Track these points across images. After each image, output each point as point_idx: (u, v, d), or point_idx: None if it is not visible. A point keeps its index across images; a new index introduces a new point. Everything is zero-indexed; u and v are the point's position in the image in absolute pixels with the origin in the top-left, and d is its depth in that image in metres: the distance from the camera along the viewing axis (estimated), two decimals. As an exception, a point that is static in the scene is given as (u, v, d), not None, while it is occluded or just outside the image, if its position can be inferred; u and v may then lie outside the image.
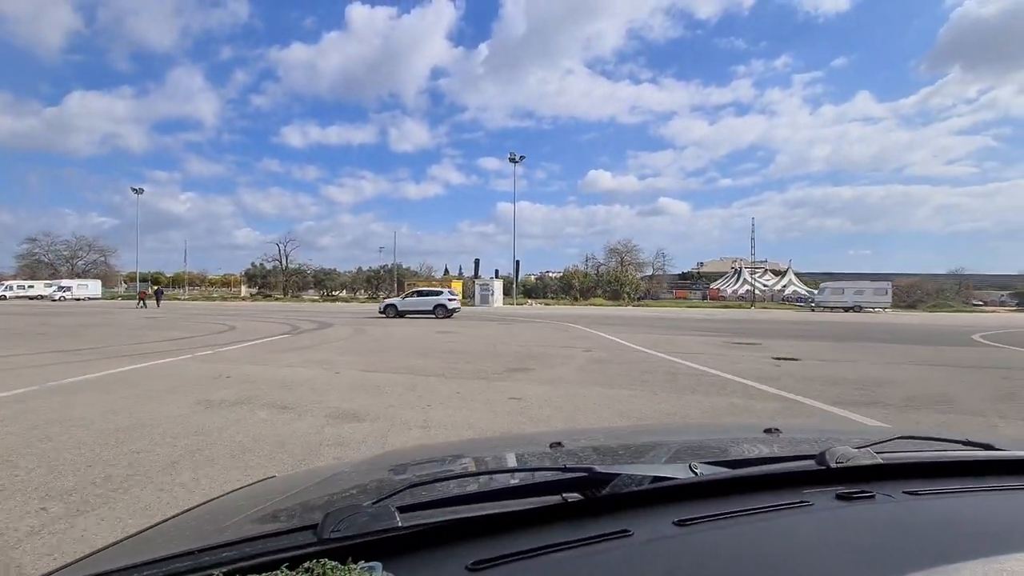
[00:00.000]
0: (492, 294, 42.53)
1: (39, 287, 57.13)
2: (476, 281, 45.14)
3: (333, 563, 0.54)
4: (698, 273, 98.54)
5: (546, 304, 46.73)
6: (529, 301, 49.66)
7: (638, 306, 44.78)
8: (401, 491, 0.79)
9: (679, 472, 0.79)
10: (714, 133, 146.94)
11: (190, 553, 0.65)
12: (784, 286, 73.29)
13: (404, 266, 73.15)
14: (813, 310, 41.14)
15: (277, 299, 59.93)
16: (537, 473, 0.92)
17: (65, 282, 56.15)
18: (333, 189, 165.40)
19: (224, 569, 0.56)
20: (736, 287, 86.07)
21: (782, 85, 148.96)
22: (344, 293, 73.47)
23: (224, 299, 59.68)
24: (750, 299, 55.34)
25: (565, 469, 0.81)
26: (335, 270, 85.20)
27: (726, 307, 44.32)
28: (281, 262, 70.60)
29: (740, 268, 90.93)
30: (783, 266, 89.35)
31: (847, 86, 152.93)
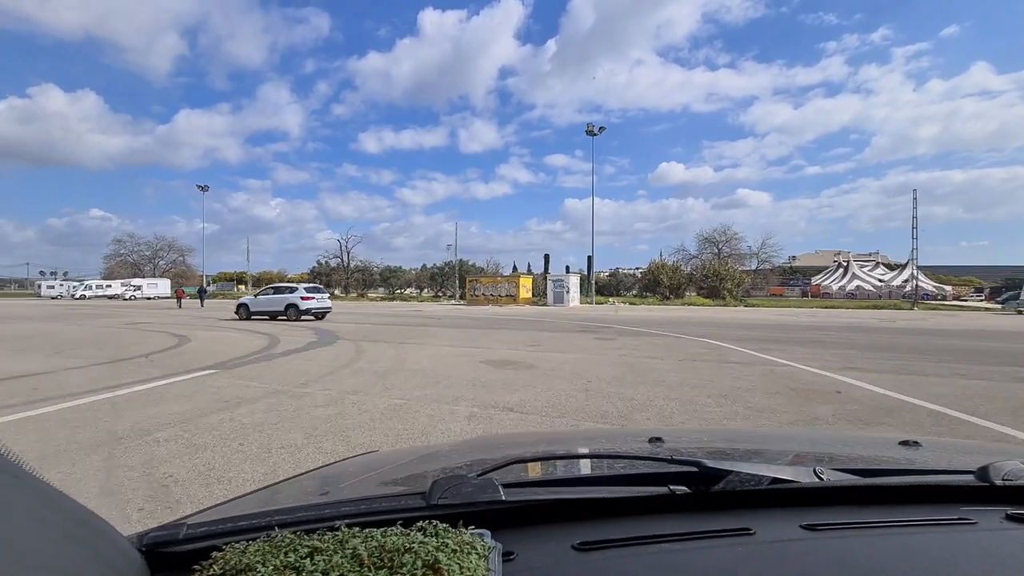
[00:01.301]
0: (568, 292, 36.04)
1: (116, 287, 58.16)
2: (548, 277, 38.77)
3: (444, 524, 0.58)
4: (791, 267, 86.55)
5: (630, 303, 39.49)
6: (610, 300, 42.57)
7: (745, 306, 36.26)
8: (503, 466, 0.83)
9: (802, 476, 0.75)
10: (800, 117, 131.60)
11: (316, 505, 0.73)
12: (905, 281, 60.61)
13: (469, 262, 68.49)
14: (1021, 312, 30.22)
15: (338, 298, 56.99)
16: (641, 463, 0.87)
17: (136, 281, 57.10)
18: (406, 191, 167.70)
19: (347, 521, 0.61)
20: (843, 282, 73.57)
21: (880, 61, 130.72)
22: (410, 291, 70.15)
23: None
24: (899, 296, 44.39)
25: (672, 461, 0.80)
26: (400, 267, 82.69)
27: (875, 307, 34.75)
28: (342, 259, 67.94)
29: (848, 261, 78.09)
30: (888, 259, 75.76)
31: (959, 57, 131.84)
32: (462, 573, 0.51)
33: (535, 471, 0.94)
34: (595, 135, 39.50)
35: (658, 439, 1.14)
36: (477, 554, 0.55)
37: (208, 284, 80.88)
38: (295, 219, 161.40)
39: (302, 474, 1.21)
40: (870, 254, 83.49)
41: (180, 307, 33.66)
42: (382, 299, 52.53)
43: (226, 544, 0.57)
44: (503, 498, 0.67)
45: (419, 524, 0.59)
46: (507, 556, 0.60)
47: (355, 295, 61.68)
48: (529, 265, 76.86)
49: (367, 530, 0.58)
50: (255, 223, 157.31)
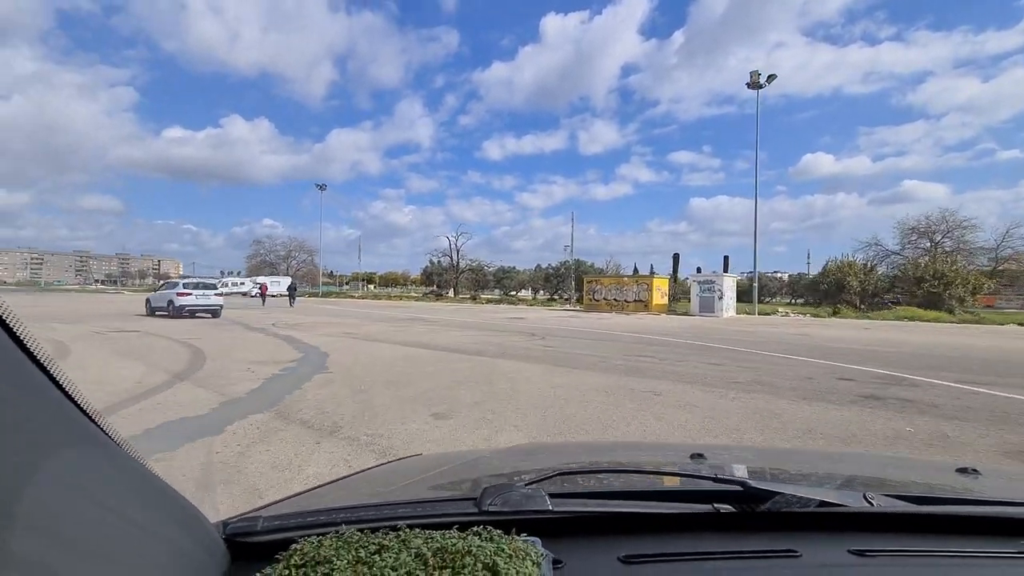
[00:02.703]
0: (721, 297, 26.92)
1: (248, 284, 61.25)
2: (693, 279, 29.80)
3: (499, 531, 0.60)
4: (997, 269, 64.08)
5: (813, 315, 28.82)
6: (780, 309, 32.08)
7: (995, 323, 23.43)
8: (550, 477, 0.84)
9: (850, 499, 0.74)
10: (990, 92, 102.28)
11: (376, 506, 0.79)
12: None
13: (588, 262, 61.00)
14: None
15: (447, 299, 53.21)
16: (685, 480, 0.91)
17: (260, 279, 59.23)
18: (526, 195, 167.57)
19: (407, 522, 0.64)
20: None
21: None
22: (524, 293, 64.88)
23: (390, 298, 55.39)
24: None
25: (717, 479, 0.79)
26: (514, 268, 78.06)
27: None
28: (452, 257, 64.58)
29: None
30: None
31: None
32: None
33: (581, 483, 0.96)
34: (761, 87, 29.61)
35: (700, 455, 1.12)
36: (531, 560, 0.57)
37: (344, 284, 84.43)
38: (424, 224, 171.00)
39: (350, 476, 1.27)
40: None
41: (263, 304, 32.13)
42: (492, 301, 47.37)
43: (299, 537, 0.60)
44: (551, 508, 0.69)
45: (474, 529, 0.61)
46: (556, 564, 0.61)
47: (467, 296, 57.74)
48: (652, 267, 66.87)
49: (427, 532, 0.60)
50: (390, 228, 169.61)
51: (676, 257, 59.83)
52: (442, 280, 69.93)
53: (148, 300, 20.64)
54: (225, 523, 0.69)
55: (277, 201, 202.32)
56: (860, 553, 0.66)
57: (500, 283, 71.33)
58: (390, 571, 0.53)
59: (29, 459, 0.40)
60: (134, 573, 0.46)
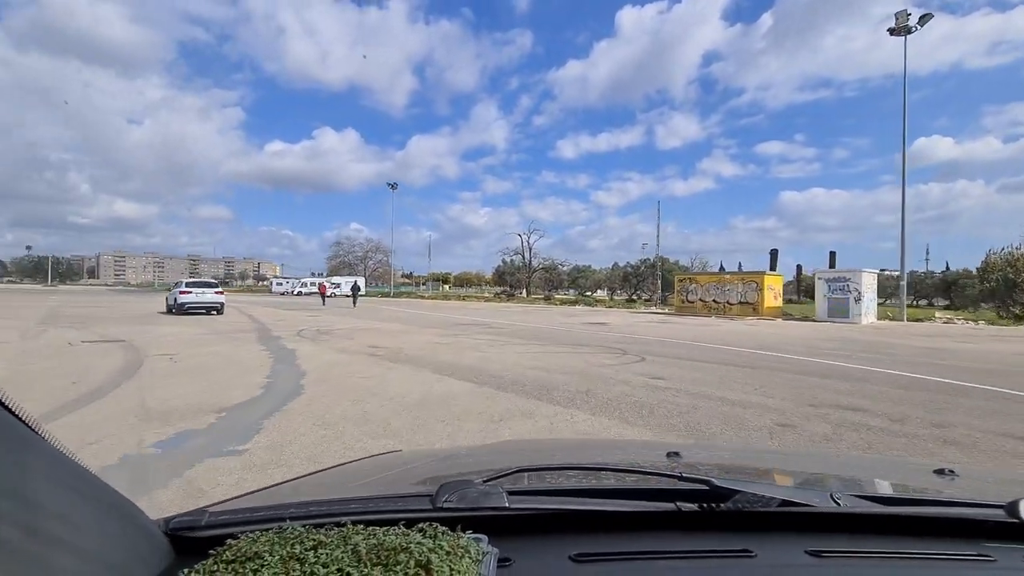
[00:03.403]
0: (859, 299, 21.16)
1: (329, 284, 62.34)
2: (820, 276, 23.96)
3: (444, 528, 0.60)
4: None
5: (989, 322, 21.96)
6: (940, 314, 25.20)
7: None
8: (510, 474, 0.84)
9: (815, 499, 0.73)
10: None
11: (327, 502, 0.77)
12: None
13: (672, 260, 55.30)
14: None
15: (518, 299, 50.12)
16: (651, 478, 0.89)
17: (335, 279, 60.24)
18: (601, 193, 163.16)
19: (353, 518, 0.64)
20: None
21: None
22: (600, 293, 60.43)
23: (460, 298, 53.26)
24: None
25: (682, 478, 0.79)
26: (589, 267, 73.53)
27: None
28: (524, 256, 61.35)
29: None
30: None
31: None
32: (453, 575, 0.52)
33: (544, 480, 0.95)
34: (911, 31, 23.08)
35: (676, 454, 1.12)
36: (470, 558, 0.56)
37: (420, 284, 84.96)
38: (499, 225, 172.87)
39: (323, 470, 1.25)
40: None
41: (324, 304, 31.82)
42: (567, 301, 43.51)
43: (242, 533, 0.61)
44: (507, 505, 0.68)
45: (420, 525, 0.61)
46: (503, 562, 0.61)
47: (539, 296, 54.35)
48: (740, 264, 58.85)
49: (370, 528, 0.60)
50: (466, 230, 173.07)
51: (774, 254, 52.04)
52: (514, 280, 67.08)
53: (166, 299, 21.28)
54: (168, 519, 0.69)
55: (363, 206, 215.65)
56: (816, 554, 0.66)
57: (575, 283, 67.51)
58: (321, 568, 0.52)
59: None
60: (69, 568, 0.47)
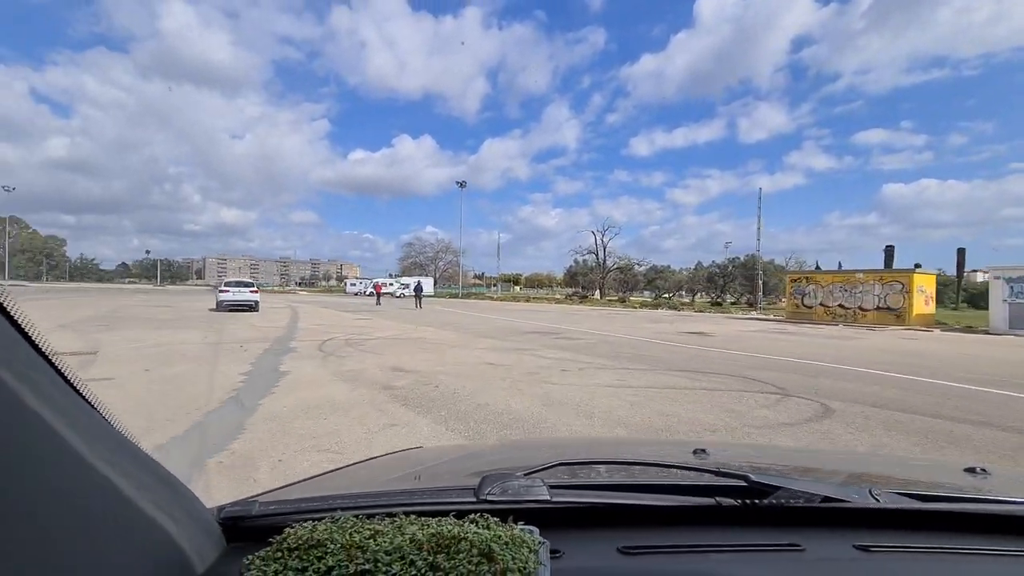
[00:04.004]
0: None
1: (396, 285, 62.09)
2: (996, 274, 18.14)
3: (496, 519, 0.60)
4: None
5: None
6: None
7: None
8: (551, 467, 0.84)
9: (855, 495, 0.73)
10: None
11: (374, 494, 0.79)
12: None
13: (767, 258, 48.81)
14: None
15: (591, 301, 46.30)
16: (687, 473, 0.88)
17: (405, 279, 59.55)
18: (678, 191, 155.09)
19: (403, 509, 0.65)
20: None
21: None
22: (679, 295, 55.01)
23: (530, 300, 50.27)
24: None
25: (719, 474, 0.79)
26: (668, 267, 67.70)
27: None
28: (597, 255, 57.16)
29: None
30: None
31: None
32: (515, 563, 0.53)
33: (581, 475, 0.95)
34: None
35: (703, 451, 1.10)
36: (528, 548, 0.56)
37: (491, 285, 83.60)
38: (571, 226, 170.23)
39: (352, 465, 1.25)
40: None
41: (379, 303, 31.34)
42: (646, 304, 39.08)
43: (295, 522, 0.61)
44: (550, 498, 0.69)
45: (471, 516, 0.61)
46: (554, 554, 0.61)
47: (613, 298, 50.14)
48: (840, 264, 50.24)
49: (423, 519, 0.60)
50: (537, 231, 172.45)
51: (889, 251, 43.52)
52: (587, 281, 63.10)
53: (216, 297, 22.08)
54: (221, 507, 0.70)
55: (438, 210, 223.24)
56: (865, 548, 0.65)
57: (651, 284, 62.14)
58: (384, 555, 0.53)
59: (31, 443, 0.42)
60: (128, 552, 0.49)
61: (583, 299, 51.25)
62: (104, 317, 15.67)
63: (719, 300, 50.25)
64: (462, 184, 62.48)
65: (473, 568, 0.51)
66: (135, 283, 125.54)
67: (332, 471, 1.19)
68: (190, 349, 8.92)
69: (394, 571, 0.51)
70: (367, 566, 0.52)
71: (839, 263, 53.05)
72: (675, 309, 34.10)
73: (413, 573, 0.51)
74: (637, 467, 0.99)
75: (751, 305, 38.23)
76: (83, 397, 0.52)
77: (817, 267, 53.92)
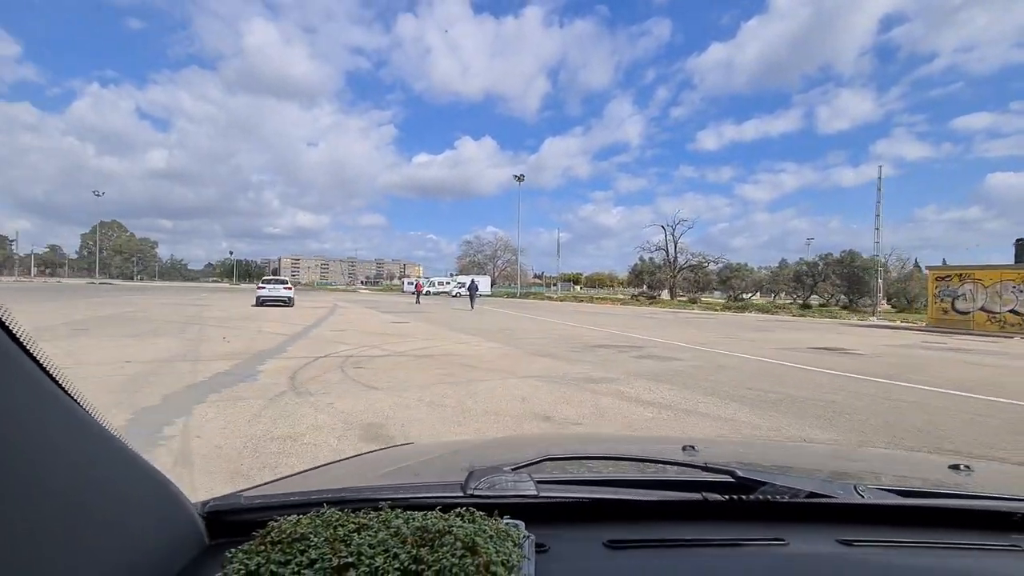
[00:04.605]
0: None
1: (452, 284, 60.34)
2: None
3: (481, 513, 0.60)
4: None
5: None
6: None
7: None
8: (538, 462, 0.84)
9: (840, 491, 0.74)
10: None
11: (359, 488, 0.78)
12: None
13: (864, 255, 41.73)
14: None
15: (661, 302, 41.69)
16: (673, 468, 0.89)
17: (461, 278, 57.59)
18: (748, 187, 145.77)
19: (390, 503, 0.64)
20: None
21: None
22: (757, 296, 48.98)
23: (594, 300, 46.31)
24: None
25: (706, 469, 0.79)
26: (745, 265, 60.64)
27: None
28: (667, 252, 52.01)
29: None
30: None
31: None
32: (498, 556, 0.52)
33: (568, 470, 0.96)
34: None
35: (691, 447, 1.10)
36: (513, 541, 0.56)
37: (551, 284, 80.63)
38: (632, 224, 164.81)
39: (339, 461, 1.25)
40: None
41: (418, 302, 30.03)
42: (727, 307, 34.08)
43: (279, 516, 0.61)
44: (536, 493, 0.69)
45: (456, 510, 0.61)
46: (539, 548, 0.61)
47: (684, 299, 45.16)
48: (944, 260, 41.36)
49: (408, 512, 0.61)
50: (598, 230, 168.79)
51: (1020, 245, 34.88)
52: (653, 280, 57.86)
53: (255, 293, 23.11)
54: (204, 502, 0.70)
55: (498, 210, 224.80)
56: (848, 543, 0.66)
57: (725, 284, 55.76)
58: (368, 548, 0.53)
59: (15, 439, 0.42)
60: (107, 547, 0.48)
61: (650, 300, 46.57)
62: (104, 318, 13.93)
63: (806, 303, 43.78)
64: (520, 178, 59.46)
65: (456, 561, 0.51)
66: (217, 281, 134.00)
67: (318, 467, 1.17)
68: (107, 375, 6.29)
69: (377, 564, 0.51)
70: (350, 559, 0.52)
71: (943, 260, 44.58)
72: (766, 312, 29.04)
73: (396, 566, 0.51)
74: (625, 462, 0.99)
75: (848, 308, 32.18)
76: (63, 389, 0.51)
77: (916, 266, 45.75)
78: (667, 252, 51.67)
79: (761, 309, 30.49)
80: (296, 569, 0.51)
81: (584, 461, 1.03)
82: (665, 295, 50.25)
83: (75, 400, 0.53)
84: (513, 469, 0.77)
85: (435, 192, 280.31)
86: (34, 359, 0.48)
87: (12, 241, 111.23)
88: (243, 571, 0.52)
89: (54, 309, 16.63)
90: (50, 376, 0.50)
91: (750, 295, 51.92)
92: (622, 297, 54.56)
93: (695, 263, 52.14)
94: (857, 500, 0.73)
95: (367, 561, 0.51)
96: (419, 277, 73.81)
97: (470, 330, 13.47)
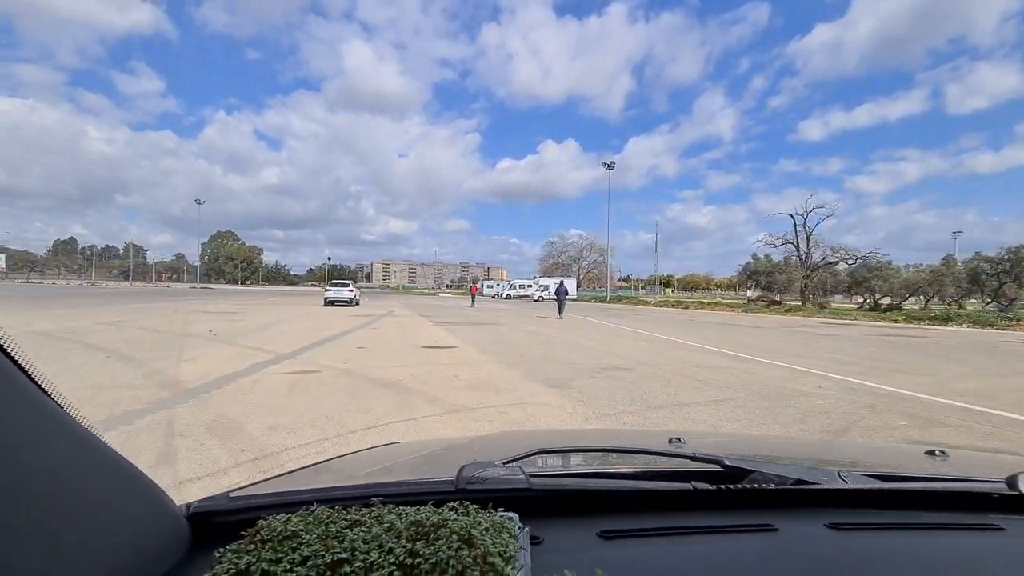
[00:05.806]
0: None
1: (534, 287, 55.98)
2: None
3: (475, 506, 0.61)
4: None
5: None
6: None
7: None
8: (529, 456, 0.85)
9: (824, 477, 0.77)
10: None
11: (350, 487, 0.79)
12: None
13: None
14: None
15: (792, 309, 33.05)
16: (663, 459, 0.90)
17: (543, 281, 53.07)
18: (861, 179, 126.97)
19: (382, 500, 0.64)
20: None
21: None
22: (909, 301, 38.17)
23: (699, 305, 38.46)
24: None
25: (695, 458, 0.80)
26: (890, 263, 48.11)
27: None
28: (797, 247, 42.43)
29: None
30: None
31: None
32: (495, 548, 0.52)
33: (560, 463, 0.97)
34: None
35: (678, 439, 1.12)
36: (508, 533, 0.57)
37: (640, 287, 73.49)
38: (725, 224, 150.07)
39: (325, 461, 1.24)
40: None
41: (472, 305, 29.28)
42: (894, 319, 25.10)
43: (267, 516, 0.60)
44: (529, 486, 0.69)
45: (450, 504, 0.61)
46: (534, 540, 0.62)
47: (813, 306, 35.91)
48: None
49: (401, 508, 0.60)
50: (686, 230, 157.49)
51: None
52: (771, 281, 48.23)
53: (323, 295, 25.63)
54: (189, 504, 0.69)
55: (581, 212, 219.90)
56: (836, 527, 0.68)
57: (859, 285, 44.38)
58: (362, 543, 0.52)
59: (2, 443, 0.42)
60: (89, 551, 0.47)
61: (770, 304, 37.76)
62: (111, 322, 10.02)
63: (985, 308, 32.65)
64: (609, 165, 52.66)
65: (453, 554, 0.51)
66: (315, 285, 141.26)
67: (305, 467, 1.16)
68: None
69: (372, 559, 0.51)
70: (344, 555, 0.51)
71: None
72: (985, 326, 20.10)
73: (391, 560, 0.50)
74: (615, 454, 1.00)
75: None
76: (43, 391, 0.50)
77: None
78: (797, 247, 42.12)
79: (974, 320, 21.40)
80: (288, 567, 0.50)
81: (574, 454, 1.04)
82: (792, 299, 40.88)
83: (56, 402, 0.52)
84: (505, 463, 0.76)
85: (518, 196, 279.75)
86: (14, 361, 0.48)
87: (146, 251, 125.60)
88: (232, 570, 0.50)
89: (55, 310, 13.55)
90: (30, 378, 0.49)
91: (899, 299, 40.57)
92: (733, 303, 45.75)
93: (833, 260, 42.07)
94: (842, 485, 0.75)
95: (361, 556, 0.50)
96: (498, 280, 69.89)
97: (564, 344, 7.70)
